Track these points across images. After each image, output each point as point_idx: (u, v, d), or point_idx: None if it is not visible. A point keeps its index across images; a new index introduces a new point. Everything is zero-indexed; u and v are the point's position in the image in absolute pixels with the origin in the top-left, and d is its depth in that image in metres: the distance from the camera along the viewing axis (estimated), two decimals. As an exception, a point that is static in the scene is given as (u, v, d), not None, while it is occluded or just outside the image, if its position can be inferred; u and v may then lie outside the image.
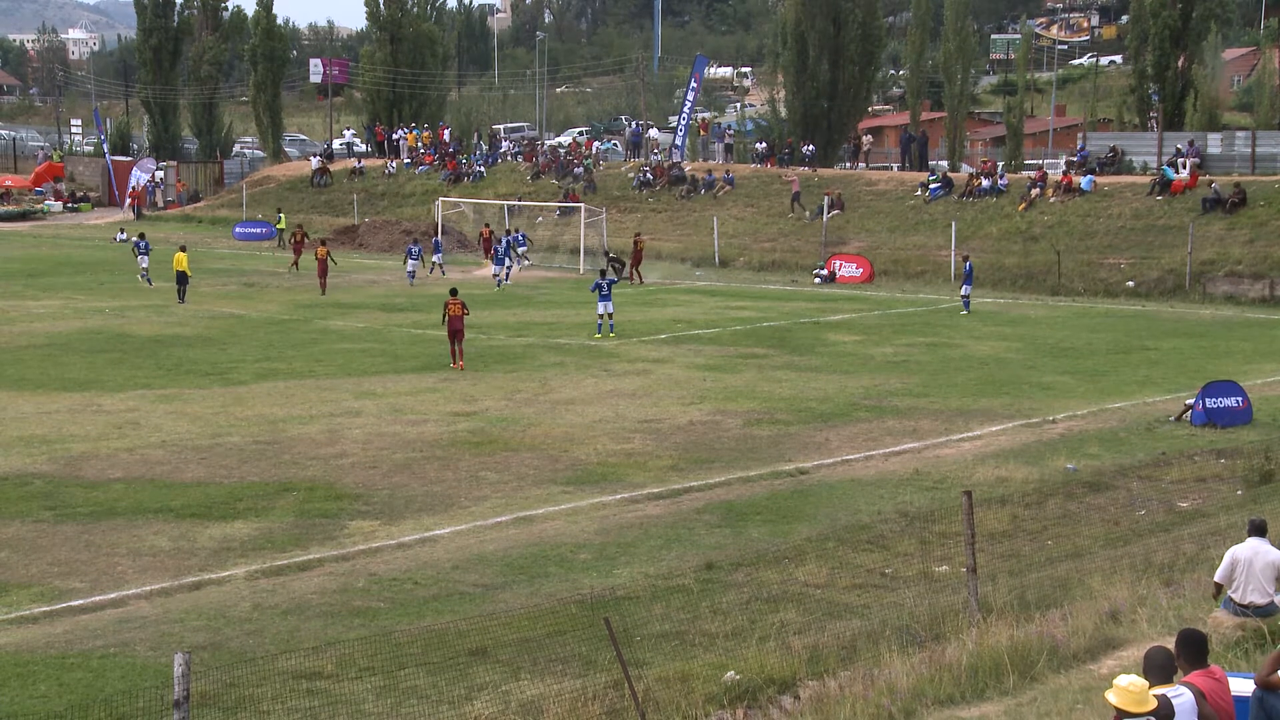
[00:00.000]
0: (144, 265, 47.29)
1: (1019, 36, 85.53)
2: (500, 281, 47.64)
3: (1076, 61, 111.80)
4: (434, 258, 51.96)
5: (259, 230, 66.96)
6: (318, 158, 78.20)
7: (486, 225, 56.85)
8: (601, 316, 35.97)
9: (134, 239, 51.27)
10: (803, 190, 59.15)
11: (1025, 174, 56.59)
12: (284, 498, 20.21)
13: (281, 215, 64.30)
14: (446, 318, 31.23)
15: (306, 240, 53.25)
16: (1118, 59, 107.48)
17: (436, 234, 55.84)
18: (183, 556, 17.47)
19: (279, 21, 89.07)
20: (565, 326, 38.09)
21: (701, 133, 74.85)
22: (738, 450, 23.33)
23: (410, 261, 49.37)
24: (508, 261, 49.57)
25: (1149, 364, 32.29)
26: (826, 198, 56.24)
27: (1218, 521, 17.95)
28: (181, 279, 42.28)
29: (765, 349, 34.37)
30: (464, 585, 16.46)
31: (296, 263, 52.16)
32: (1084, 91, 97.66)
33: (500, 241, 50.96)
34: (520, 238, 53.82)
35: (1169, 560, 15.77)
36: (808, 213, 57.89)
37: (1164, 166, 52.37)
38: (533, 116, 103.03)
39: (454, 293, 32.03)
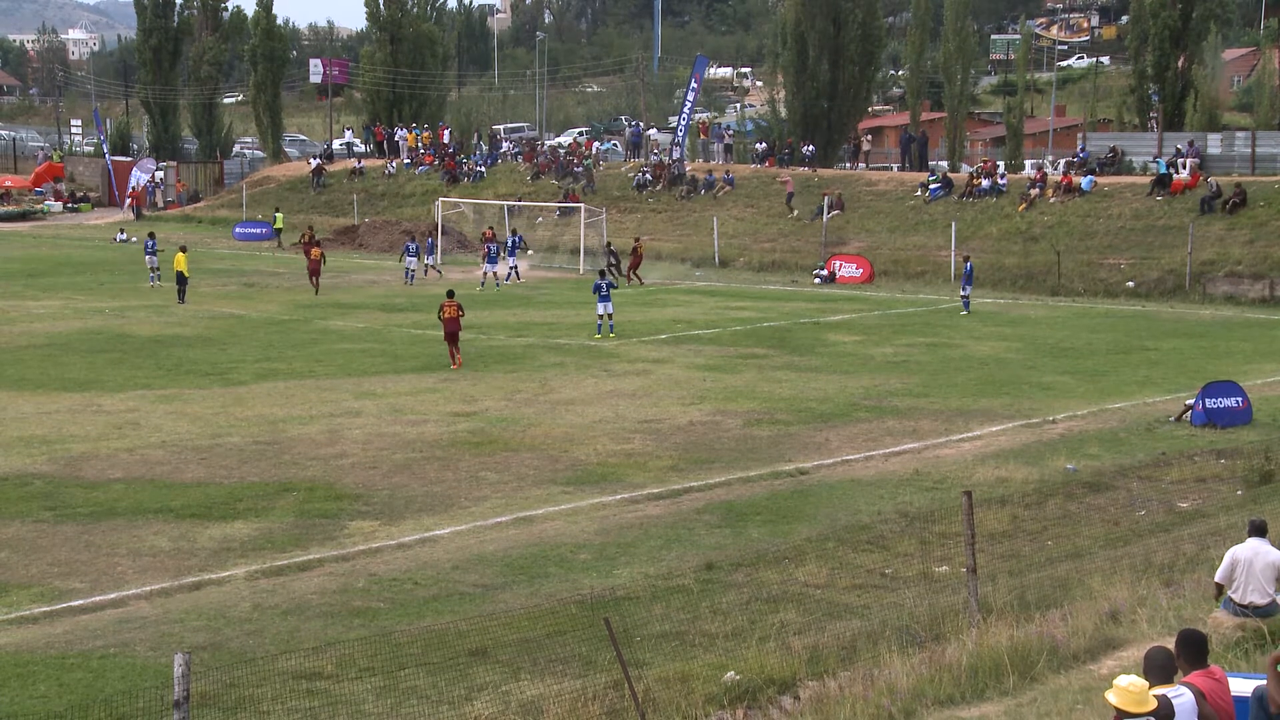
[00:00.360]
0: (153, 265, 47.29)
1: (1019, 37, 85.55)
2: (483, 283, 47.19)
3: (1064, 63, 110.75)
4: (427, 259, 51.65)
5: (259, 230, 66.93)
6: (317, 159, 78.17)
7: (489, 228, 56.97)
8: (601, 317, 35.98)
9: (146, 239, 51.21)
10: (800, 191, 59.17)
11: (1025, 174, 56.59)
12: (284, 498, 20.20)
13: (278, 214, 64.44)
14: (443, 319, 31.28)
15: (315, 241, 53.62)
16: (1104, 60, 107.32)
17: (434, 234, 55.71)
18: (183, 556, 17.47)
19: (279, 22, 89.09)
20: (565, 327, 38.09)
21: (702, 135, 74.88)
22: (738, 450, 23.33)
23: (408, 259, 49.47)
24: (513, 260, 49.76)
25: (1149, 364, 32.30)
26: (826, 198, 56.25)
27: (1218, 521, 17.95)
28: (180, 279, 42.36)
29: (765, 349, 34.37)
30: (464, 585, 16.46)
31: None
32: (1084, 92, 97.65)
33: (500, 241, 51.06)
34: (517, 239, 54.12)
35: (1169, 560, 15.76)
36: (795, 212, 57.92)
37: (1157, 160, 52.39)
38: (533, 116, 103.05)
39: (450, 295, 32.01)
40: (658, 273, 51.74)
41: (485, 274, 47.72)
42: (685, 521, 19.19)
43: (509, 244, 50.71)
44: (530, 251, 54.30)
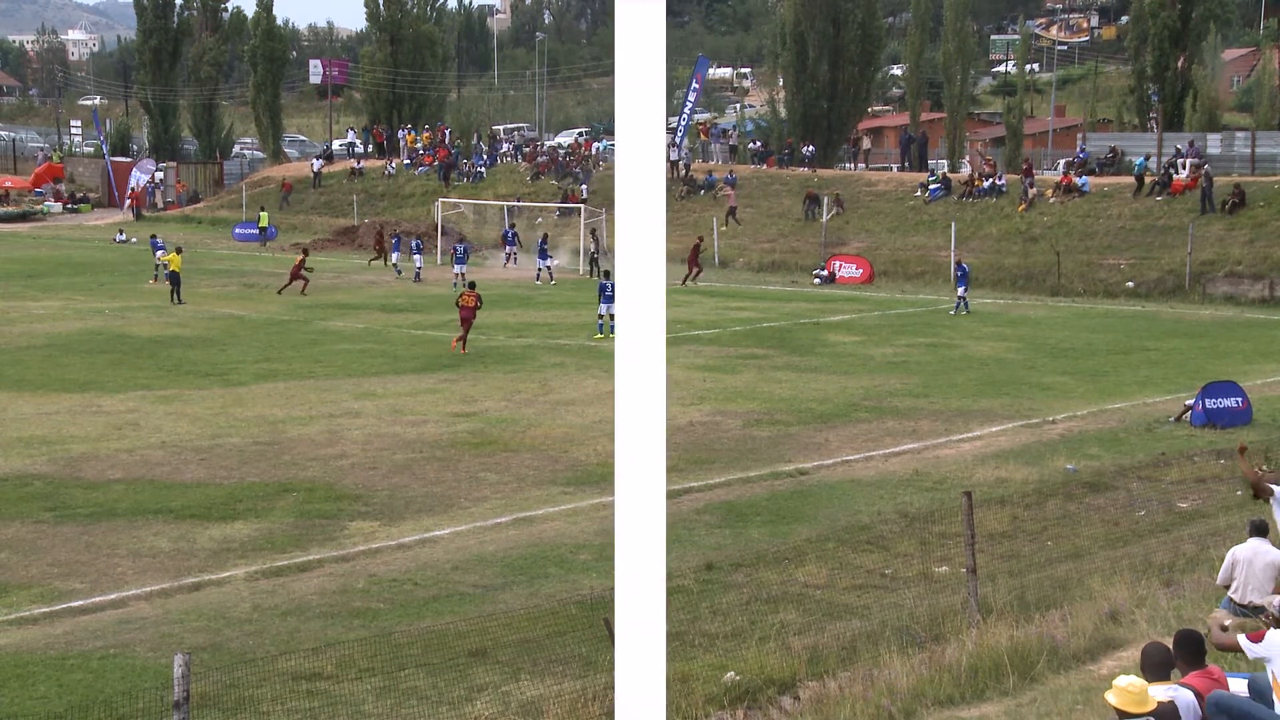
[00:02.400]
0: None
1: (1019, 37, 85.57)
2: (455, 283, 47.10)
3: (1037, 67, 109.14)
4: (393, 257, 51.53)
5: (258, 231, 66.94)
6: (316, 159, 78.14)
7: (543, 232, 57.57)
8: (602, 317, 36.01)
9: (150, 239, 51.38)
10: (798, 190, 59.12)
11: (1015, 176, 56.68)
12: (284, 498, 20.19)
13: (263, 213, 64.64)
14: (459, 306, 33.32)
15: (384, 237, 55.34)
16: (1038, 70, 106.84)
17: (416, 236, 55.63)
18: (183, 557, 17.46)
19: (279, 22, 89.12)
20: (565, 327, 38.10)
21: (702, 136, 74.87)
22: (738, 450, 23.33)
23: (415, 256, 49.66)
24: (543, 262, 49.96)
25: (1149, 364, 32.30)
26: (825, 198, 56.22)
27: (1218, 522, 17.97)
28: (175, 279, 42.54)
29: (765, 349, 34.38)
30: (464, 586, 16.45)
31: (384, 259, 54.02)
32: (1084, 92, 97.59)
33: (508, 240, 51.64)
34: (509, 233, 54.72)
35: (1169, 560, 15.78)
36: (741, 226, 57.81)
37: (1137, 160, 52.41)
38: (533, 117, 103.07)
39: (471, 285, 34.49)
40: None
41: (457, 274, 47.64)
42: (685, 521, 19.20)
43: (539, 246, 51.25)
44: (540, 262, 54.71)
